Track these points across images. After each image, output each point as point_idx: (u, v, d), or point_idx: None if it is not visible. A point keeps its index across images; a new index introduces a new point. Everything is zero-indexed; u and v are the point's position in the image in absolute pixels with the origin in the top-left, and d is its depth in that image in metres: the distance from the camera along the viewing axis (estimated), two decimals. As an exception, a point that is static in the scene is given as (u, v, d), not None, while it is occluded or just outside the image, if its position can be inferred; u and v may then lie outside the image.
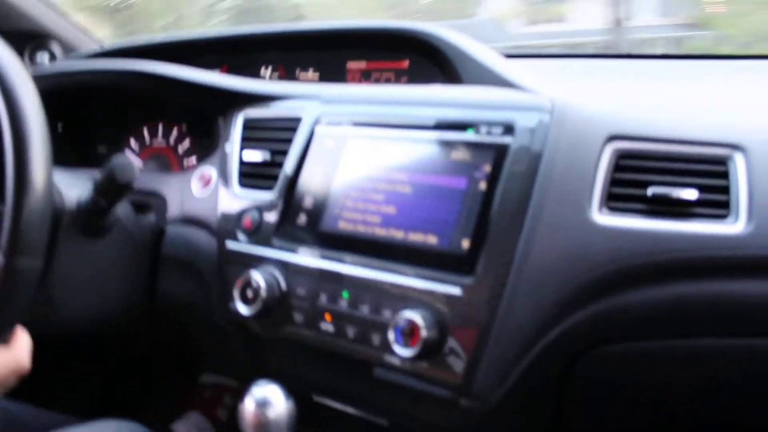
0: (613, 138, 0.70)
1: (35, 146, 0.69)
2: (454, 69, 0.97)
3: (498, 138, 0.71)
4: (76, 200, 0.83)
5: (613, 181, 0.69)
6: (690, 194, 0.67)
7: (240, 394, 1.37)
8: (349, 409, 0.89)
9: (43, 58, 1.40)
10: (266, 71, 1.29)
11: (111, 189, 0.80)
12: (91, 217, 0.84)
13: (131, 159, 0.80)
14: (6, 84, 0.70)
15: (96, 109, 1.21)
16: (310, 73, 1.25)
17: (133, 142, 1.19)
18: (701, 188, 0.67)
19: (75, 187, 0.85)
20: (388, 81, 1.16)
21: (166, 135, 1.16)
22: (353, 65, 1.20)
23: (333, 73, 1.21)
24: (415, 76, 1.13)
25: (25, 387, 0.77)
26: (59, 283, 0.85)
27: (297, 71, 1.26)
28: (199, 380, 1.41)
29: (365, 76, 1.19)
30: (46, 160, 0.69)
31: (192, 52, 1.32)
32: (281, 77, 1.27)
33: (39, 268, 0.69)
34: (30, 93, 0.71)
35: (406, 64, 1.15)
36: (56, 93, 1.03)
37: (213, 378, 1.41)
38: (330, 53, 1.22)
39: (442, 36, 1.02)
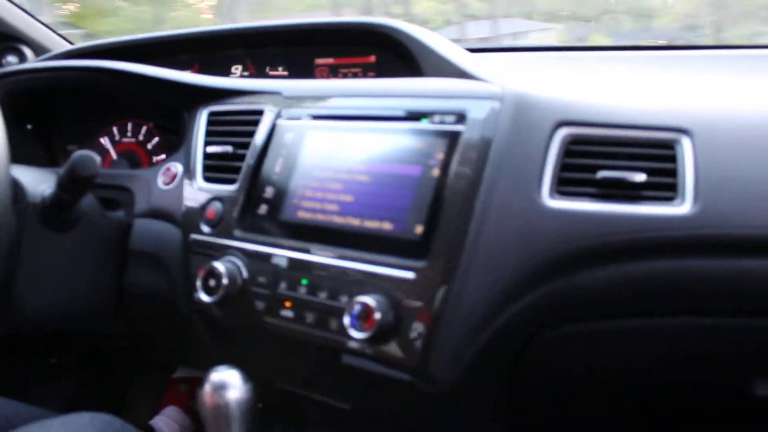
0: (562, 124, 0.72)
1: None
2: (416, 62, 0.99)
3: (451, 126, 0.73)
4: (39, 195, 0.84)
5: (563, 166, 0.70)
6: (638, 177, 0.68)
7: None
8: (312, 395, 0.90)
9: (12, 60, 1.41)
10: (237, 69, 1.30)
11: (73, 183, 0.81)
12: (56, 212, 0.85)
13: (93, 153, 0.81)
14: None
15: (65, 109, 1.22)
16: (280, 71, 1.27)
17: (103, 140, 1.19)
18: (649, 172, 0.69)
19: (40, 183, 0.86)
20: (355, 76, 1.18)
21: (135, 133, 1.17)
22: (321, 61, 1.22)
23: (302, 70, 1.23)
24: (382, 71, 1.15)
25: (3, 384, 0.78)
26: (26, 277, 0.86)
27: (267, 69, 1.28)
28: (173, 375, 1.42)
29: (333, 72, 1.20)
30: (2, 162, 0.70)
31: (163, 52, 1.34)
32: (251, 75, 1.28)
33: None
34: None
35: (372, 59, 1.17)
36: (25, 93, 1.04)
37: (186, 372, 1.42)
38: (298, 50, 1.24)
39: (406, 30, 1.04)
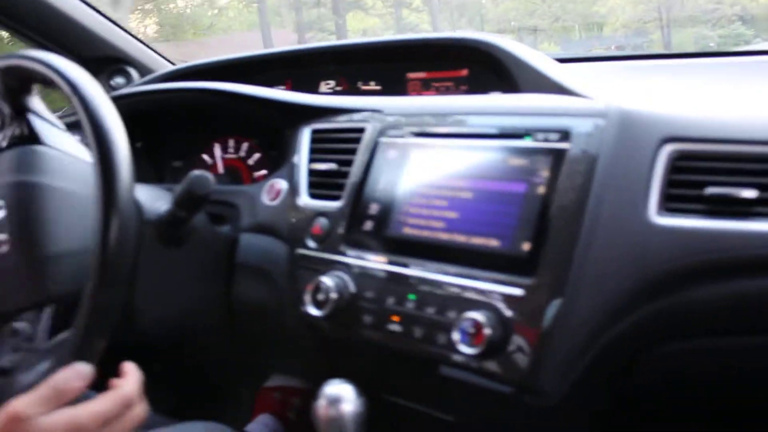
0: (667, 140, 0.71)
1: (121, 171, 0.74)
2: (511, 77, 1.01)
3: (555, 144, 0.74)
4: (156, 212, 0.89)
5: (670, 183, 0.70)
6: (749, 193, 0.68)
7: (308, 394, 1.42)
8: (417, 406, 0.92)
9: (119, 80, 1.49)
10: (329, 84, 1.34)
11: (189, 201, 0.86)
12: (171, 228, 0.90)
13: (207, 173, 0.85)
14: (92, 112, 0.76)
15: (170, 127, 1.28)
16: (372, 85, 1.30)
17: (206, 156, 1.25)
18: (760, 187, 0.68)
19: (155, 200, 0.91)
20: (447, 90, 1.20)
21: (237, 149, 1.22)
22: (413, 75, 1.24)
23: (394, 84, 1.26)
24: (474, 85, 1.17)
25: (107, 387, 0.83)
26: (141, 291, 0.90)
27: (359, 83, 1.31)
28: (266, 383, 1.47)
29: (425, 86, 1.23)
30: (130, 182, 0.75)
31: (257, 70, 1.39)
32: (344, 90, 1.32)
33: (126, 283, 0.74)
34: (114, 119, 0.77)
35: (465, 72, 1.18)
36: (136, 114, 1.10)
37: (280, 380, 1.47)
38: (390, 65, 1.27)
39: (500, 45, 1.05)
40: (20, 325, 0.82)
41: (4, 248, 0.80)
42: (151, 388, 1.48)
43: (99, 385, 0.93)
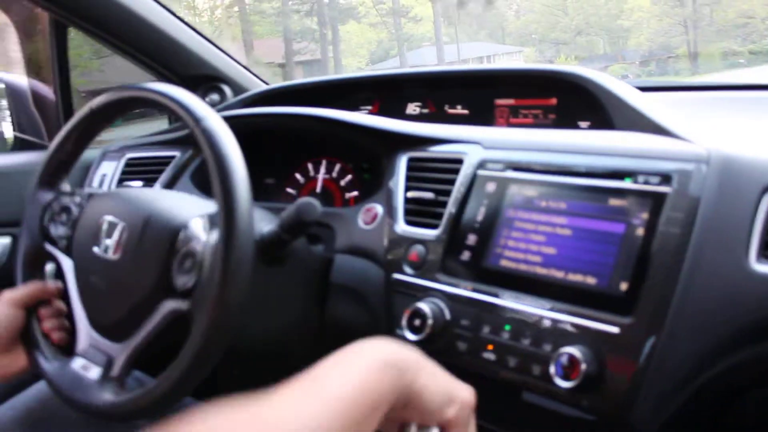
0: (770, 188, 0.73)
1: (240, 188, 0.80)
2: (604, 110, 1.02)
3: (655, 187, 0.76)
4: (260, 233, 0.94)
5: (770, 230, 0.72)
6: None
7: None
8: (498, 429, 0.95)
9: (214, 97, 1.57)
10: (416, 107, 1.38)
11: (295, 225, 0.90)
12: (274, 249, 0.94)
13: (315, 201, 0.89)
14: (214, 142, 0.82)
15: (264, 145, 1.33)
16: (459, 109, 1.33)
17: (298, 175, 1.30)
18: None
19: (258, 221, 0.96)
20: (536, 118, 1.22)
21: (329, 171, 1.26)
22: (501, 102, 1.27)
23: (482, 109, 1.29)
24: (562, 114, 1.19)
25: (209, 392, 0.87)
26: (243, 308, 0.96)
27: (446, 107, 1.35)
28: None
29: (513, 113, 1.25)
30: (249, 200, 0.80)
31: (347, 91, 1.44)
32: (431, 113, 1.36)
33: (242, 301, 0.79)
34: (232, 142, 0.82)
35: (553, 101, 1.20)
36: (234, 132, 1.16)
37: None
38: (478, 90, 1.30)
39: (591, 77, 1.07)
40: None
41: None
42: (228, 391, 1.54)
43: (203, 391, 0.99)
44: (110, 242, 0.90)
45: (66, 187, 1.05)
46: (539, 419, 0.85)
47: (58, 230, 1.01)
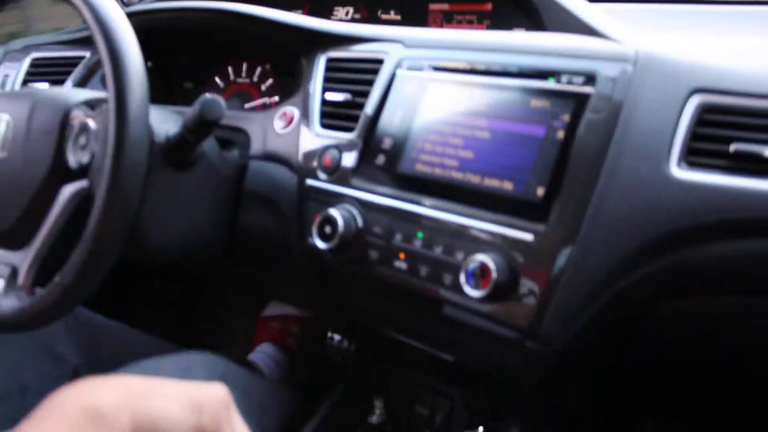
0: (697, 91, 0.69)
1: (135, 85, 0.73)
2: (537, 14, 0.97)
3: (579, 87, 0.71)
4: (165, 135, 0.87)
5: (694, 136, 0.68)
6: (775, 152, 0.65)
7: (306, 322, 1.43)
8: (417, 344, 0.92)
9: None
10: (348, 11, 1.30)
11: (199, 125, 0.84)
12: (179, 151, 0.88)
13: (219, 98, 0.83)
14: (106, 26, 0.74)
15: (182, 47, 1.25)
16: (392, 15, 1.26)
17: (217, 79, 1.22)
18: (788, 146, 0.66)
19: (164, 122, 0.90)
20: (470, 23, 1.16)
21: (250, 74, 1.19)
22: (435, 7, 1.20)
23: (415, 15, 1.22)
24: (497, 20, 1.13)
25: (110, 301, 0.83)
26: (147, 212, 0.90)
27: (379, 12, 1.27)
28: (264, 313, 1.48)
29: (447, 19, 1.19)
30: (144, 97, 0.74)
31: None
32: (363, 18, 1.28)
33: (137, 199, 0.74)
34: (130, 35, 0.75)
35: (488, 7, 1.14)
36: (147, 31, 1.07)
37: (277, 309, 1.48)
38: (412, -5, 1.23)
39: (527, -21, 1.01)
40: None
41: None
42: (148, 308, 1.51)
43: (96, 302, 0.94)
44: None
45: None
46: (456, 335, 0.83)
47: None
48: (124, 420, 0.41)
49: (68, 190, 0.78)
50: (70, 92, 0.84)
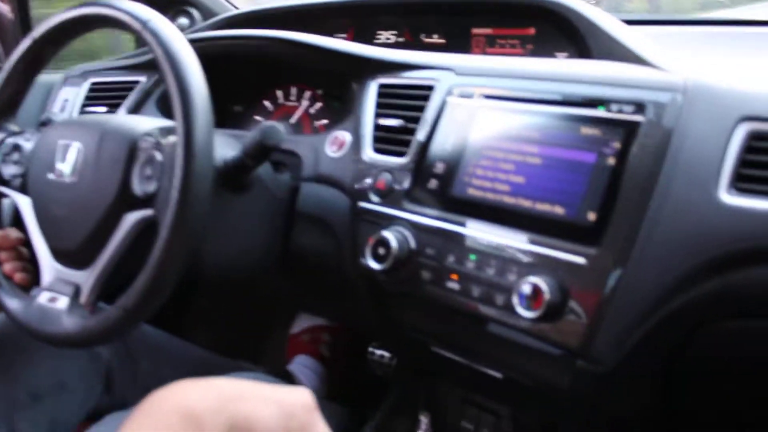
0: (745, 119, 0.71)
1: (200, 111, 0.77)
2: (582, 40, 0.99)
3: (629, 115, 0.74)
4: (223, 158, 0.91)
5: (743, 163, 0.70)
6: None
7: (335, 330, 1.46)
8: (465, 361, 0.95)
9: (182, 21, 1.51)
10: (392, 35, 1.34)
11: (259, 150, 0.88)
12: (237, 175, 0.92)
13: (279, 124, 0.87)
14: (173, 56, 0.78)
15: (232, 71, 1.29)
16: (435, 38, 1.29)
17: (266, 102, 1.26)
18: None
19: (222, 146, 0.94)
20: (513, 47, 1.19)
21: (299, 98, 1.23)
22: (478, 31, 1.23)
23: (458, 39, 1.25)
24: (540, 44, 1.16)
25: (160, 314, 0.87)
26: (205, 232, 0.93)
27: (422, 36, 1.31)
28: (293, 328, 1.52)
29: (490, 43, 1.22)
30: (210, 131, 0.78)
31: (320, 17, 1.39)
32: (407, 41, 1.32)
33: (201, 229, 0.77)
34: (195, 64, 0.79)
35: (531, 31, 1.17)
36: (200, 57, 1.12)
37: (305, 321, 1.51)
38: (455, 19, 1.26)
39: (571, 6, 1.04)
40: None
41: None
42: (186, 317, 1.54)
43: (160, 319, 0.97)
44: (65, 166, 0.88)
45: (13, 126, 1.00)
46: (503, 351, 0.85)
47: (10, 170, 0.97)
48: (219, 422, 0.45)
49: (133, 217, 0.82)
50: (137, 122, 0.88)
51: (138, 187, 0.82)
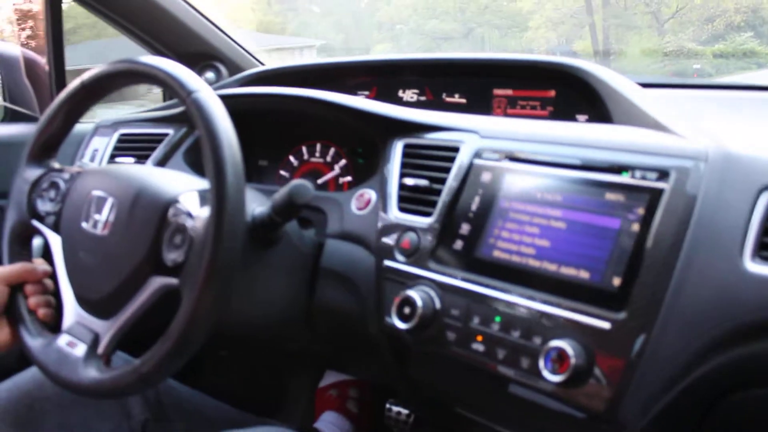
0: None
1: (233, 163, 0.79)
2: (602, 104, 1.02)
3: (653, 183, 0.75)
4: (251, 214, 0.93)
5: (766, 231, 0.71)
6: None
7: (363, 385, 1.46)
8: (486, 422, 0.95)
9: (209, 76, 1.55)
10: (414, 94, 1.37)
11: (288, 207, 0.89)
12: (265, 231, 0.93)
13: (308, 182, 0.88)
14: (206, 115, 0.81)
15: (258, 126, 1.32)
16: (457, 98, 1.32)
17: (291, 158, 1.29)
18: None
19: (250, 202, 0.95)
20: (533, 109, 1.21)
21: (324, 154, 1.25)
22: (500, 92, 1.26)
23: (479, 99, 1.28)
24: (560, 106, 1.18)
25: (197, 376, 0.87)
26: (233, 288, 0.95)
27: (444, 95, 1.34)
28: (321, 383, 1.51)
29: (511, 104, 1.24)
30: (241, 175, 0.79)
31: (344, 75, 1.43)
32: (428, 100, 1.35)
33: (224, 305, 0.78)
34: (225, 116, 0.81)
35: (552, 93, 1.20)
36: (230, 113, 1.15)
37: (332, 377, 1.51)
38: (476, 79, 1.29)
39: (591, 70, 1.07)
40: None
41: None
42: (213, 371, 1.54)
43: (189, 372, 0.98)
44: (99, 217, 0.89)
45: (54, 163, 1.03)
46: (526, 413, 0.85)
47: (45, 206, 1.00)
48: None
49: (158, 282, 0.83)
50: (171, 182, 0.89)
51: (166, 253, 0.83)
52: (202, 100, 0.81)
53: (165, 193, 0.87)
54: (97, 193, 0.91)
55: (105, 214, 0.89)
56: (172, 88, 0.84)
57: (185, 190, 0.87)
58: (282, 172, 1.30)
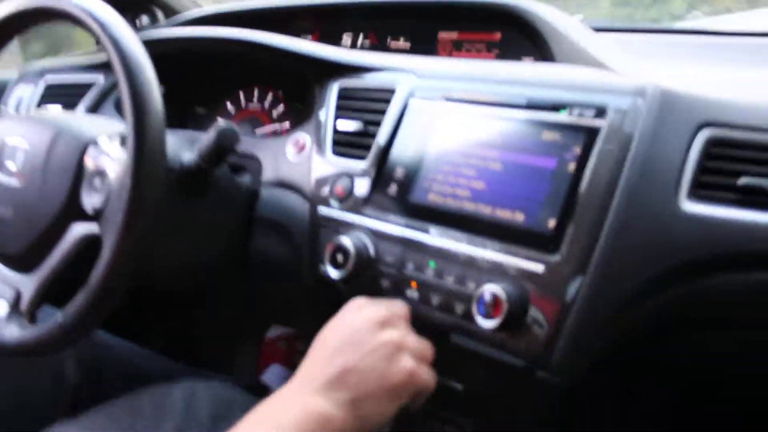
0: (705, 125, 0.70)
1: (153, 112, 0.74)
2: (546, 45, 0.98)
3: (590, 120, 0.73)
4: (179, 161, 0.88)
5: (703, 169, 0.69)
6: (785, 186, 0.66)
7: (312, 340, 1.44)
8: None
9: (145, 20, 1.47)
10: (358, 38, 1.32)
11: (214, 153, 0.85)
12: (193, 178, 0.89)
13: (235, 126, 0.84)
14: (125, 54, 0.76)
15: (194, 72, 1.26)
16: (401, 42, 1.27)
17: (229, 104, 1.24)
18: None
19: (178, 148, 0.91)
20: (479, 52, 1.17)
21: (261, 99, 1.20)
22: (444, 35, 1.22)
23: (424, 43, 1.23)
24: (506, 49, 1.14)
25: (118, 322, 0.84)
26: (158, 239, 0.90)
27: (388, 39, 1.29)
28: (268, 334, 1.49)
29: (456, 47, 1.20)
30: (161, 123, 0.75)
31: (286, 18, 1.37)
32: (372, 45, 1.30)
33: (144, 250, 0.75)
34: (147, 63, 0.77)
35: (497, 36, 1.16)
36: (160, 57, 1.09)
37: (278, 331, 1.48)
38: (422, 23, 1.24)
39: (536, 11, 1.03)
40: None
41: None
42: (154, 327, 1.51)
43: (111, 324, 0.94)
44: (13, 167, 0.84)
45: None
46: (466, 363, 0.83)
47: None
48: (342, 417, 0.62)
49: (78, 230, 0.79)
50: (89, 125, 0.85)
51: (86, 199, 0.79)
52: (116, 35, 0.76)
53: (82, 135, 0.82)
54: (9, 140, 0.85)
55: (19, 163, 0.84)
56: (85, 25, 0.79)
57: (104, 132, 0.83)
58: (219, 119, 1.25)
